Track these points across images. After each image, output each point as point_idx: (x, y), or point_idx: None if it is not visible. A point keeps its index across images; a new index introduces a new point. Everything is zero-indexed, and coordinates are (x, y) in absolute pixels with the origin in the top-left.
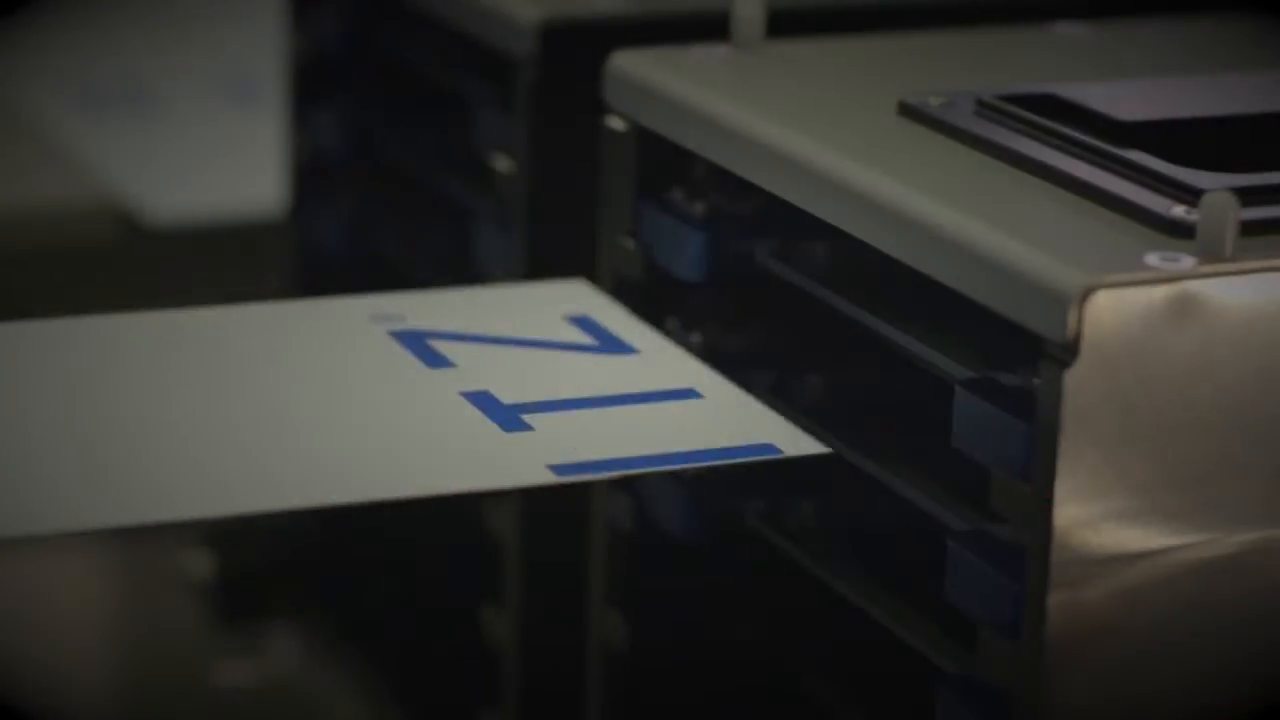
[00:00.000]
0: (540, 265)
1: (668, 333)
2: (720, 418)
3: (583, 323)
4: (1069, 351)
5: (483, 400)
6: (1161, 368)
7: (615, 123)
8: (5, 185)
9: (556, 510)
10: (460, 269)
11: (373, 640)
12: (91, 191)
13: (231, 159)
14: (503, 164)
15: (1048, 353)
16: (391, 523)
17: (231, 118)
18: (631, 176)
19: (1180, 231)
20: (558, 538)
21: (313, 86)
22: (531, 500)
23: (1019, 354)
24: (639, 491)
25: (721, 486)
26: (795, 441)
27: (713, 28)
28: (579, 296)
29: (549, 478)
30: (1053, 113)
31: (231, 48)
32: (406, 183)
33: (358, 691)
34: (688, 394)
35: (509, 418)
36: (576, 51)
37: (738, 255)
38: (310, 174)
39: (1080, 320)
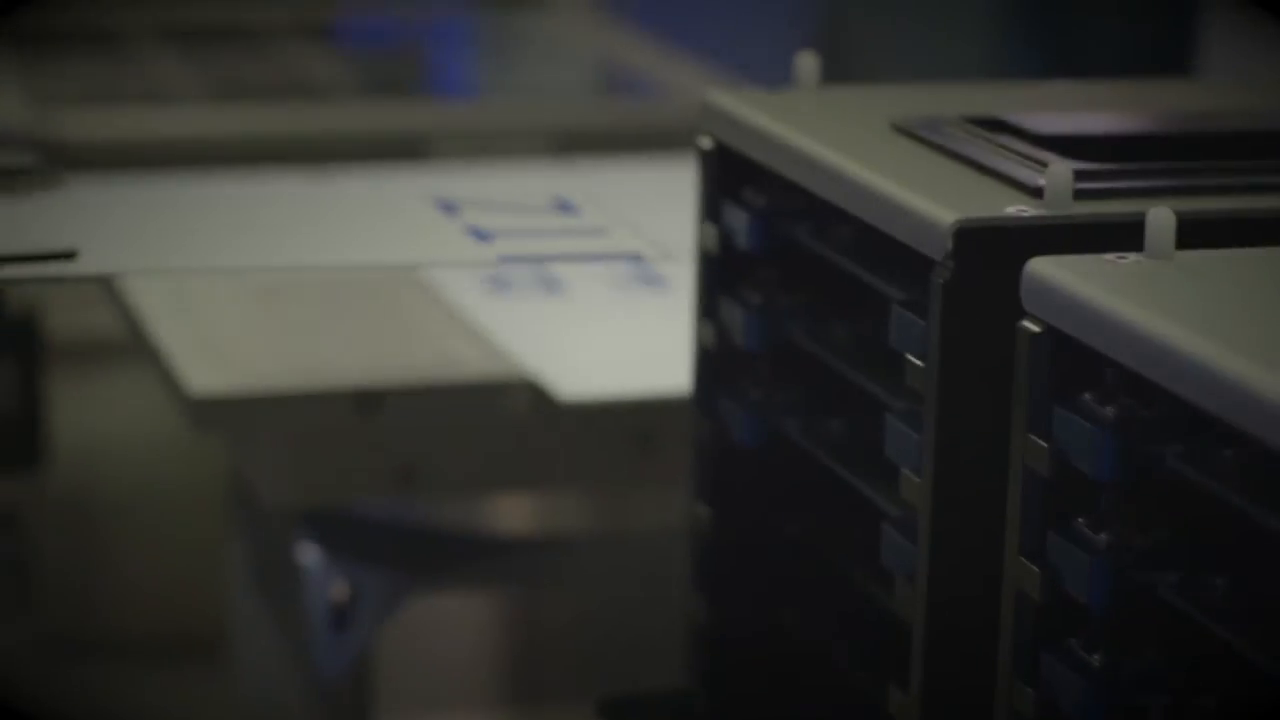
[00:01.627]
0: (949, 460)
1: (1075, 531)
2: (614, 242)
3: (560, 201)
4: None
5: (475, 230)
6: None
7: (1031, 325)
8: (428, 361)
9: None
10: (867, 460)
11: None
12: (507, 367)
13: (640, 342)
14: (915, 359)
15: None
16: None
17: (642, 302)
18: (1044, 378)
19: None
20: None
21: (722, 276)
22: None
23: None
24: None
25: (1125, 671)
26: (658, 254)
27: (1123, 235)
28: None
29: (495, 263)
30: None
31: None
32: (815, 372)
33: None
34: (601, 231)
35: (486, 237)
36: (989, 254)
37: (1148, 458)
38: (717, 361)
39: None
